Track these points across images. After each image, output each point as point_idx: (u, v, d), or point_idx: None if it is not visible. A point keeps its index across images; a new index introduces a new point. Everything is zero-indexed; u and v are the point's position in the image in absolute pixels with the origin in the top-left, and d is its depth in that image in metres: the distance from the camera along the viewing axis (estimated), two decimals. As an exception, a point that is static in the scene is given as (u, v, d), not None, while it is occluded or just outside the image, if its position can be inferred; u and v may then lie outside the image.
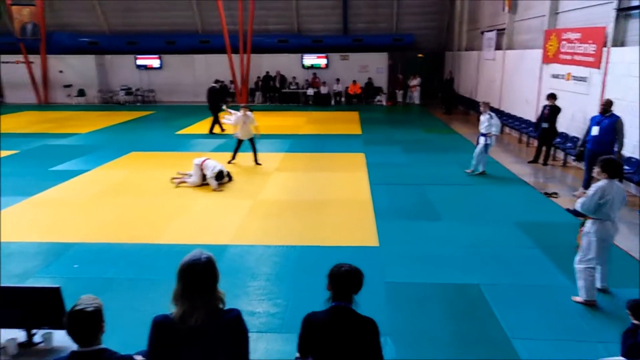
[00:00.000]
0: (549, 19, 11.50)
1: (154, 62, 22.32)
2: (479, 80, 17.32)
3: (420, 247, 5.93)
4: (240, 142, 10.21)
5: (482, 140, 9.16)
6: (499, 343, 3.99)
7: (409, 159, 10.74)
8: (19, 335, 2.85)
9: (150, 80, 22.58)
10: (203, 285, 2.17)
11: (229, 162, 10.08)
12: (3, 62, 21.88)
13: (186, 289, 2.15)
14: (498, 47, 15.20)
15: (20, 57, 21.24)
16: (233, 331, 2.24)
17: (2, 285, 3.02)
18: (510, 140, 12.93)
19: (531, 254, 5.71)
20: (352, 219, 6.93)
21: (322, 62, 22.09)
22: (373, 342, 2.44)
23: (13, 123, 16.17)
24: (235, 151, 10.31)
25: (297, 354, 2.56)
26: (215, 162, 8.65)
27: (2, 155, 11.04)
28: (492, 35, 15.58)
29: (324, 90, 21.35)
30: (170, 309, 2.18)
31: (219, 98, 14.60)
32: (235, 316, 2.25)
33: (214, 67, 21.84)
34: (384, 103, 21.37)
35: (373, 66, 22.00)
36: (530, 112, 12.18)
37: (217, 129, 14.14)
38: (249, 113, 10.08)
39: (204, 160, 8.58)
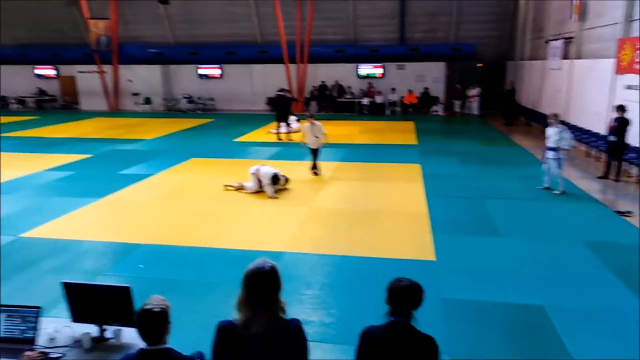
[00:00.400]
0: (623, 27, 10.84)
1: (215, 71, 23.19)
2: (543, 90, 16.58)
3: (479, 263, 5.73)
4: (312, 150, 10.15)
5: (549, 154, 8.63)
6: (565, 370, 3.77)
7: (466, 171, 10.44)
8: (93, 330, 3.01)
9: (211, 89, 23.46)
10: (266, 294, 2.21)
11: (316, 174, 10.04)
12: (79, 72, 23.53)
13: (249, 296, 2.21)
14: (565, 56, 14.50)
15: (94, 67, 22.77)
16: (294, 341, 2.26)
17: (81, 282, 3.21)
18: (577, 154, 12.25)
19: (602, 275, 5.36)
20: (408, 231, 6.82)
21: (378, 71, 22.02)
22: (434, 357, 2.37)
23: (87, 128, 17.32)
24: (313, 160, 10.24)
25: None
26: (270, 167, 8.81)
27: (78, 158, 11.84)
28: (558, 44, 14.90)
29: (379, 99, 21.26)
30: (233, 314, 2.23)
31: (288, 105, 14.96)
32: (296, 326, 2.28)
33: (271, 77, 22.37)
34: (441, 113, 20.95)
35: (430, 76, 21.65)
36: (599, 125, 11.49)
37: (283, 135, 14.50)
38: (316, 122, 10.09)
39: (259, 168, 8.78)
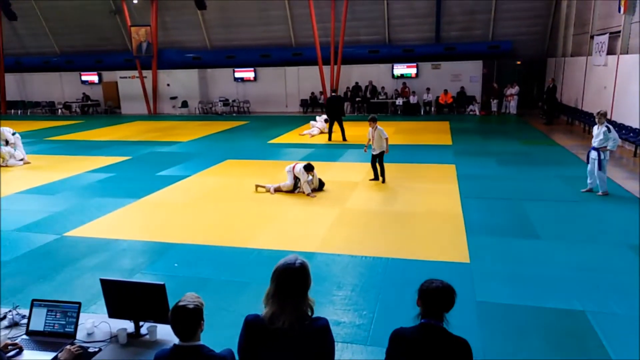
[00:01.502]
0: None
1: (250, 74, 23.53)
2: (587, 88, 15.92)
3: (516, 266, 5.54)
4: (373, 157, 9.55)
5: (593, 155, 8.21)
6: (609, 379, 3.59)
7: (504, 172, 10.14)
8: (129, 326, 3.09)
9: (246, 91, 23.83)
10: (294, 289, 2.22)
11: (382, 182, 9.44)
12: (120, 78, 24.42)
13: (278, 290, 2.22)
14: (610, 51, 13.87)
15: (135, 73, 23.58)
16: (320, 340, 2.25)
17: (117, 279, 3.30)
18: (624, 154, 11.69)
19: (648, 281, 5.08)
20: (442, 233, 6.68)
21: (413, 71, 21.76)
22: None
23: (127, 132, 17.94)
24: (373, 169, 9.64)
25: None
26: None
27: (118, 160, 12.27)
28: (603, 39, 14.27)
29: (413, 99, 20.99)
30: (261, 309, 2.25)
31: (341, 106, 14.96)
32: (323, 325, 2.27)
33: (305, 79, 22.52)
34: (477, 113, 20.48)
35: (466, 75, 21.21)
36: (648, 123, 10.94)
37: (337, 137, 14.41)
38: (377, 127, 9.37)
39: (294, 166, 8.85)
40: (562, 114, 17.93)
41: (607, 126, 8.09)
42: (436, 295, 2.35)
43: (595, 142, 8.19)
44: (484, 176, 9.73)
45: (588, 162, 8.40)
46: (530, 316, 4.46)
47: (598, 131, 8.16)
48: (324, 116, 16.16)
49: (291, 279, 2.22)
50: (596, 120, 8.34)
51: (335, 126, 14.53)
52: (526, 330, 4.25)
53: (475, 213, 7.43)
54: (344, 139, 14.34)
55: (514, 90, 20.09)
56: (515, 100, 20.11)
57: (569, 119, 17.24)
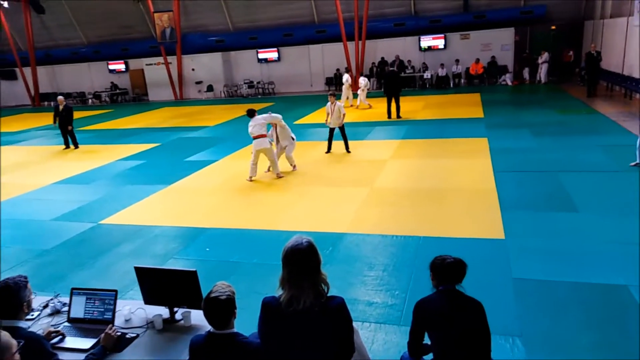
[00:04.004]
0: None
1: (273, 55, 23.36)
2: (627, 51, 15.06)
3: (554, 241, 5.35)
4: (331, 130, 10.27)
5: None
6: (656, 357, 3.43)
7: (539, 143, 9.77)
8: (164, 312, 3.14)
9: (270, 72, 23.72)
10: (308, 269, 2.23)
11: (348, 152, 10.12)
12: (146, 65, 24.70)
13: (292, 273, 2.23)
14: (653, 10, 13.02)
15: (160, 59, 23.78)
16: (336, 318, 2.26)
17: (150, 267, 3.35)
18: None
19: (697, 254, 4.81)
20: (475, 209, 6.51)
21: (440, 42, 21.11)
22: (483, 320, 2.55)
23: (155, 118, 18.21)
24: (329, 142, 10.31)
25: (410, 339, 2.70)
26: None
27: (147, 147, 12.48)
28: (644, -3, 13.39)
29: (441, 72, 20.42)
30: (278, 292, 2.27)
31: (399, 82, 14.63)
32: (339, 303, 2.27)
33: (329, 56, 22.19)
34: (509, 83, 19.76)
35: (497, 44, 20.41)
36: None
37: (393, 114, 14.09)
38: (337, 102, 10.08)
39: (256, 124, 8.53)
40: (601, 79, 17.05)
41: None
42: (452, 270, 2.58)
43: None
44: (518, 149, 9.40)
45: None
46: (569, 292, 4.32)
47: None
48: (362, 80, 16.28)
49: (302, 259, 2.22)
50: None
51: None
52: (565, 306, 4.12)
53: (510, 187, 7.20)
54: (399, 116, 13.96)
55: (544, 57, 19.18)
56: (545, 68, 19.26)
57: (609, 85, 16.39)
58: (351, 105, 16.61)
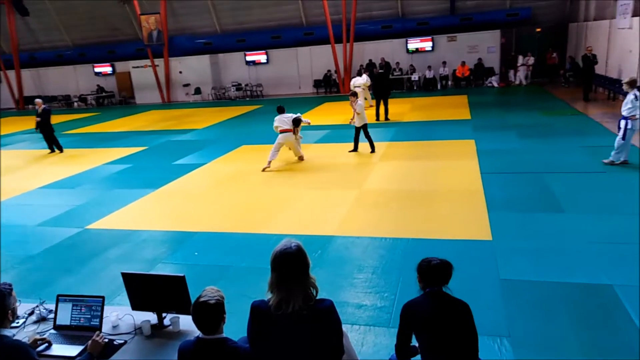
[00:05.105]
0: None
1: (261, 57, 23.33)
2: (610, 53, 15.33)
3: (540, 241, 5.42)
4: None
5: (622, 123, 7.88)
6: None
7: (525, 145, 9.89)
8: (152, 317, 3.12)
9: (258, 75, 23.68)
10: (297, 273, 2.23)
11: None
12: (133, 67, 24.50)
13: (281, 277, 2.23)
14: (635, 13, 13.27)
15: (147, 62, 23.61)
16: (325, 321, 2.27)
17: (138, 272, 3.33)
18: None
19: (679, 252, 4.91)
20: (462, 211, 6.57)
21: (427, 45, 21.27)
22: (469, 321, 2.58)
23: (143, 121, 18.07)
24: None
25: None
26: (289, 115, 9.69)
27: (135, 151, 12.38)
28: (628, 0, 13.64)
29: (429, 74, 20.57)
30: (267, 296, 2.27)
31: (389, 84, 14.48)
32: (328, 306, 2.28)
33: (318, 59, 22.23)
34: (496, 85, 19.97)
35: (483, 46, 20.64)
36: (676, 87, 10.48)
37: (382, 116, 14.01)
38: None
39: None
40: (582, 80, 17.29)
41: (634, 94, 7.76)
42: (438, 271, 2.61)
43: (624, 111, 7.87)
44: (505, 150, 9.51)
45: (619, 132, 8.07)
46: (556, 292, 4.37)
47: (626, 99, 7.85)
48: (358, 78, 15.81)
49: (292, 263, 2.23)
50: (624, 88, 8.00)
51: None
52: (552, 306, 4.17)
53: (497, 189, 7.28)
54: (387, 118, 13.99)
55: (523, 60, 19.51)
56: (523, 71, 19.60)
57: (594, 87, 16.65)
58: (371, 106, 15.72)
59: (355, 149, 10.34)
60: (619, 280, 4.45)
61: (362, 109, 10.16)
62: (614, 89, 14.30)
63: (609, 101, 14.29)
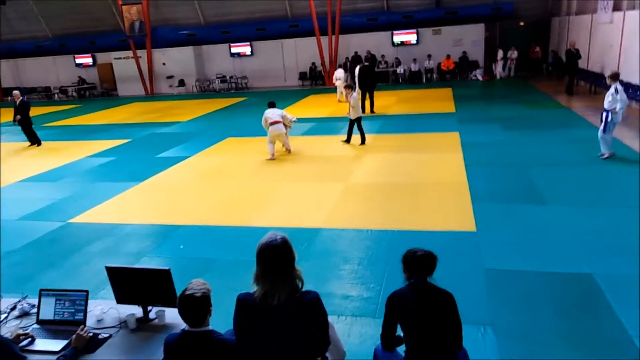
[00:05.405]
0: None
1: (246, 49, 23.12)
2: (592, 47, 15.56)
3: (523, 232, 5.51)
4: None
5: (604, 116, 7.98)
6: (618, 340, 3.58)
7: (508, 137, 10.02)
8: (137, 311, 3.10)
9: (243, 67, 23.49)
10: (282, 265, 2.24)
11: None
12: (115, 59, 24.07)
13: (266, 270, 2.24)
14: (616, 8, 13.48)
15: (129, 53, 23.22)
16: (311, 313, 2.28)
17: (122, 266, 3.30)
18: (631, 113, 11.49)
19: (657, 241, 5.04)
20: (447, 203, 6.63)
21: (413, 38, 21.32)
22: (453, 310, 2.62)
23: (125, 114, 17.80)
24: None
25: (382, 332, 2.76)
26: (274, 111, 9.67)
27: (118, 144, 12.21)
28: (608, -5, 13.85)
29: (414, 67, 20.64)
30: (253, 288, 2.28)
31: (374, 77, 14.45)
32: (313, 298, 2.29)
33: (303, 51, 22.13)
34: (480, 78, 20.14)
35: (468, 39, 20.77)
36: (655, 80, 10.71)
37: (367, 109, 13.97)
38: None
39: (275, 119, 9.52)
40: (566, 74, 17.56)
41: (615, 87, 7.89)
42: (422, 262, 2.63)
43: (605, 104, 8.00)
44: (489, 143, 9.62)
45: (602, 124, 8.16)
46: (539, 282, 4.46)
47: (608, 92, 7.97)
48: (339, 71, 16.19)
49: (277, 256, 2.23)
50: (607, 82, 8.13)
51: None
52: (535, 296, 4.25)
53: (481, 181, 7.36)
54: (372, 110, 13.99)
55: (500, 54, 19.77)
56: (503, 64, 19.87)
57: (576, 80, 16.90)
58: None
59: (348, 141, 10.35)
60: (599, 270, 4.55)
61: (357, 102, 10.18)
62: (595, 83, 14.54)
63: (590, 95, 14.53)
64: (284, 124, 9.58)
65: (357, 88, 14.51)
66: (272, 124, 9.47)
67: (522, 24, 21.14)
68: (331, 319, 2.50)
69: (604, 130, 8.00)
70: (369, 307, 4.27)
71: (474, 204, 6.43)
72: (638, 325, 3.72)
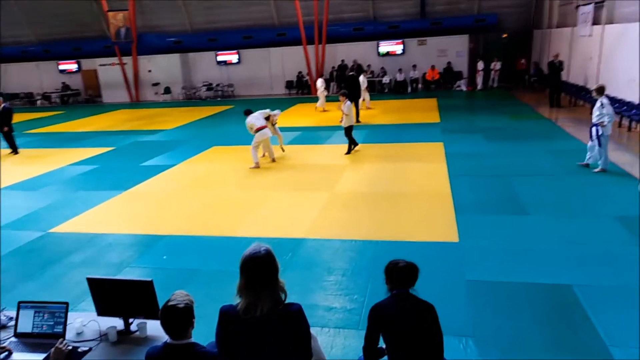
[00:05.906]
0: (656, -12, 10.23)
1: (233, 57, 23.12)
2: (572, 59, 15.92)
3: (505, 243, 5.59)
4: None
5: (594, 131, 8.07)
6: (595, 350, 3.65)
7: (492, 148, 10.17)
8: (118, 323, 3.06)
9: (230, 75, 23.46)
10: (266, 277, 2.24)
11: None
12: (100, 65, 23.85)
13: (250, 281, 2.23)
14: (595, 21, 13.84)
15: (115, 60, 23.03)
16: (294, 325, 2.28)
17: (104, 277, 3.26)
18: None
19: (633, 252, 5.15)
20: (430, 213, 6.70)
21: (398, 48, 21.56)
22: (435, 322, 2.65)
23: (109, 121, 17.62)
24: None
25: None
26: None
27: (101, 152, 12.07)
28: (588, 9, 14.20)
29: (400, 77, 20.86)
30: (236, 300, 2.27)
31: (358, 86, 14.52)
32: (296, 310, 2.30)
33: (290, 60, 22.21)
34: (464, 88, 20.43)
35: (452, 50, 21.07)
36: (633, 93, 10.99)
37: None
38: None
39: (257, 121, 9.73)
40: (547, 86, 17.93)
41: (601, 101, 8.00)
42: (404, 273, 2.67)
43: (593, 118, 8.12)
44: (473, 153, 9.75)
45: (591, 138, 8.22)
46: (519, 293, 4.52)
47: (595, 106, 8.11)
48: (320, 80, 16.65)
49: (260, 268, 2.23)
50: (593, 95, 8.29)
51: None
52: (515, 306, 4.31)
53: (464, 191, 7.45)
54: (358, 120, 13.92)
55: (481, 65, 20.12)
56: (481, 76, 20.25)
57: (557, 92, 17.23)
58: (324, 110, 16.54)
59: (354, 147, 10.42)
60: (578, 280, 4.63)
61: (350, 110, 10.26)
62: (576, 95, 14.85)
63: (570, 106, 14.83)
64: (272, 123, 9.66)
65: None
66: (258, 130, 9.52)
67: (505, 35, 21.56)
68: (314, 330, 2.51)
69: (599, 145, 8.06)
70: (352, 318, 4.28)
71: (457, 215, 6.50)
72: (613, 334, 3.80)
